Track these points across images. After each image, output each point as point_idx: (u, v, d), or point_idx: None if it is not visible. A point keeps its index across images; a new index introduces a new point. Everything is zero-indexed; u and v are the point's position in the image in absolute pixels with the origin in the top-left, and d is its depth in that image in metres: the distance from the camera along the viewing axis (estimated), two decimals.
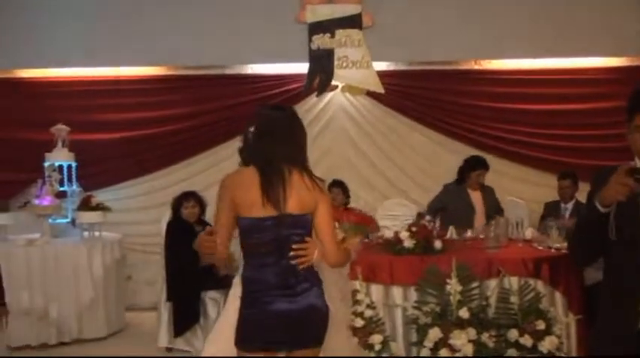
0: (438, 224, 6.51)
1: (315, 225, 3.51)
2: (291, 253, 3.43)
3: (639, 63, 8.84)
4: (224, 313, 4.11)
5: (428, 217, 6.50)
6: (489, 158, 8.50)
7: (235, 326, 3.50)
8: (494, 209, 7.29)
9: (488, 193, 7.46)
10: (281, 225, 3.41)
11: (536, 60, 8.86)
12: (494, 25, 8.70)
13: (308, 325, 3.48)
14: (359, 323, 5.25)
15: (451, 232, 6.61)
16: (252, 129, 3.55)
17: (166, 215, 7.15)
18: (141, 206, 8.85)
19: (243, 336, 3.47)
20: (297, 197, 3.43)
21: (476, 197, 7.40)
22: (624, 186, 2.94)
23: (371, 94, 8.72)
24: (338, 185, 7.55)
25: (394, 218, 7.76)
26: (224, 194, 3.48)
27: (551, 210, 7.52)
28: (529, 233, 6.61)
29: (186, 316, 6.80)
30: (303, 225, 3.48)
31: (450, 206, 7.33)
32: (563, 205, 7.51)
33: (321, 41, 8.53)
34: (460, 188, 7.48)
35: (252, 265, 3.50)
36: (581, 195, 7.59)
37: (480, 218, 7.20)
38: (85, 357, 6.71)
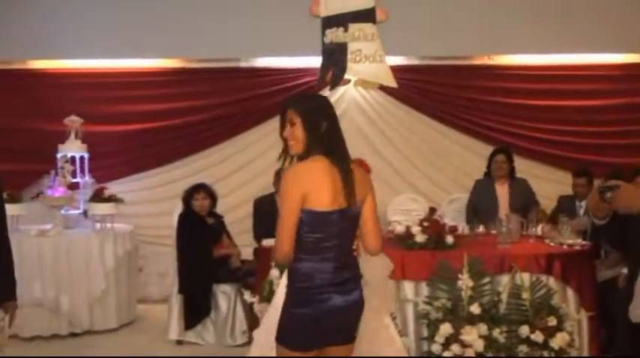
0: (476, 226, 6.66)
1: (365, 216, 3.45)
2: (354, 246, 3.43)
3: None
4: (273, 308, 4.04)
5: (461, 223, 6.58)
6: None
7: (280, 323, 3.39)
8: (523, 202, 7.22)
9: (517, 185, 7.41)
10: (344, 219, 3.33)
11: (550, 55, 8.82)
12: (507, 20, 8.65)
13: (355, 320, 3.46)
14: None
15: (463, 227, 6.59)
16: (321, 118, 3.39)
17: (178, 207, 7.16)
18: (153, 198, 8.87)
19: (297, 336, 3.34)
20: (357, 189, 3.37)
21: (501, 190, 7.39)
22: (596, 203, 2.96)
23: (383, 89, 8.70)
24: None
25: (406, 212, 7.74)
26: (294, 190, 3.27)
27: (564, 205, 7.46)
28: (541, 229, 6.59)
29: (198, 309, 6.82)
30: (358, 218, 3.43)
31: (477, 201, 7.32)
32: (577, 203, 7.45)
33: (334, 35, 8.51)
34: (488, 181, 7.50)
35: (310, 260, 3.33)
36: None
37: (503, 211, 7.08)
38: (94, 354, 6.73)
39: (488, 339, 5.18)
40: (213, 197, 7.21)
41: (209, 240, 7.05)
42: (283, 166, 3.46)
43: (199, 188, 7.14)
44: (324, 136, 3.38)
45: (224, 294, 6.90)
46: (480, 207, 7.42)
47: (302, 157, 3.38)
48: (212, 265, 6.93)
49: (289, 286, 3.38)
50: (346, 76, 8.58)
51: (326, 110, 3.46)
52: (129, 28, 8.67)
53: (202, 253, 6.92)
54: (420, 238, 5.69)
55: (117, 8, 8.74)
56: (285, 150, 3.44)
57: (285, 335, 3.36)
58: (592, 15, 8.63)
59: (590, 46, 8.67)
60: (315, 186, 3.26)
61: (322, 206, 3.26)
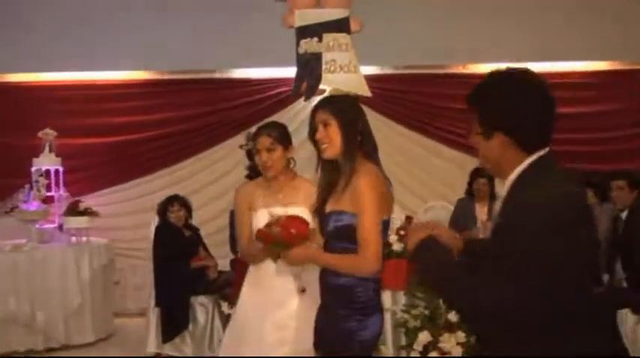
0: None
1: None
2: None
3: (624, 67, 8.92)
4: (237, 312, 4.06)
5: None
6: (476, 161, 8.52)
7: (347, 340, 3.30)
8: None
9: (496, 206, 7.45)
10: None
11: (524, 64, 8.83)
12: (481, 29, 8.72)
13: None
14: None
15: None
16: (357, 117, 3.37)
17: (155, 220, 7.14)
18: (129, 211, 8.81)
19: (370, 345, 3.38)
20: None
21: (481, 211, 7.41)
22: None
23: (358, 98, 8.71)
24: None
25: None
26: (377, 195, 3.24)
27: None
28: None
29: (175, 321, 6.78)
30: None
31: (457, 220, 7.35)
32: None
33: (308, 45, 8.50)
34: (469, 201, 7.55)
35: None
36: None
37: (483, 232, 7.12)
38: None
39: (467, 346, 5.20)
40: (187, 208, 7.20)
41: (186, 252, 7.03)
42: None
43: (173, 199, 7.13)
44: (362, 137, 3.33)
45: (202, 306, 6.87)
46: (459, 227, 7.44)
47: (338, 160, 3.32)
48: (189, 277, 6.90)
49: (376, 305, 3.38)
50: (321, 86, 8.59)
51: (359, 109, 3.44)
52: (103, 40, 8.63)
53: (179, 265, 6.89)
54: (396, 247, 5.71)
55: (90, 20, 8.70)
56: (318, 156, 3.42)
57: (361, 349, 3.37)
58: (566, 23, 8.73)
59: (565, 53, 8.76)
60: (385, 196, 3.30)
61: (387, 214, 3.35)
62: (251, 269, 4.07)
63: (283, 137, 3.95)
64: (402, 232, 5.79)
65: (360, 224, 3.20)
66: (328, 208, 3.35)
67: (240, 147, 4.11)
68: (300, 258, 3.41)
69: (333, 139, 3.29)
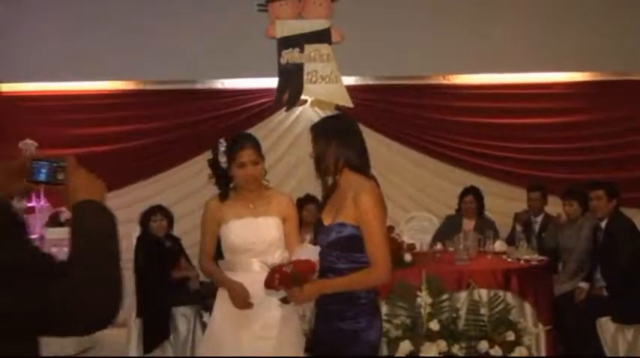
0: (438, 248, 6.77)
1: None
2: None
3: (605, 78, 8.97)
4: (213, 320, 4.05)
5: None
6: (458, 171, 8.63)
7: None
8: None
9: (483, 223, 7.45)
10: None
11: (504, 75, 8.95)
12: (461, 40, 8.76)
13: None
14: None
15: (421, 245, 6.65)
16: (353, 134, 3.65)
17: (136, 230, 7.11)
18: None
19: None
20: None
21: (468, 226, 7.43)
22: None
23: (340, 109, 8.74)
24: (312, 200, 7.43)
25: None
26: (383, 214, 3.57)
27: (520, 220, 7.61)
28: (498, 245, 6.66)
29: (156, 332, 6.75)
30: None
31: (444, 235, 7.37)
32: (533, 218, 7.60)
33: (290, 56, 8.54)
34: (458, 217, 7.61)
35: None
36: (551, 208, 7.69)
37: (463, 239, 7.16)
38: None
39: (448, 355, 5.22)
40: (170, 218, 7.18)
41: (167, 262, 7.01)
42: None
43: (156, 210, 7.11)
44: (350, 153, 3.56)
45: (183, 317, 6.85)
46: (443, 238, 7.46)
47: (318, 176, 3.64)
48: (170, 288, 6.88)
49: (376, 307, 3.58)
50: (302, 97, 8.61)
51: (344, 126, 3.70)
52: (83, 50, 8.61)
53: (160, 276, 6.87)
54: (407, 258, 5.76)
55: (71, 30, 8.68)
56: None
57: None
58: (544, 34, 8.79)
59: (546, 64, 8.81)
60: (384, 207, 3.61)
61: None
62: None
63: (260, 149, 3.98)
64: None
65: (369, 240, 3.42)
66: (328, 221, 3.57)
67: (209, 161, 4.04)
68: (313, 292, 3.49)
69: (315, 157, 3.61)
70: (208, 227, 4.07)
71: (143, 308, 6.79)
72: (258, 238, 3.89)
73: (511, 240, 7.16)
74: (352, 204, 3.44)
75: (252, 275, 3.82)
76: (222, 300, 3.95)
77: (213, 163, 3.99)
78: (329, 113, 8.67)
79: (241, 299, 3.76)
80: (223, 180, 3.97)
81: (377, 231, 3.44)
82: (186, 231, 8.07)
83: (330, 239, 3.49)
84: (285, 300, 3.58)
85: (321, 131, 3.62)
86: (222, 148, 3.91)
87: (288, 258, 3.69)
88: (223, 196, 3.98)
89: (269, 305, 3.75)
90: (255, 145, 3.91)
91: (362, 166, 3.57)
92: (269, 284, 3.47)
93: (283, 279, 3.42)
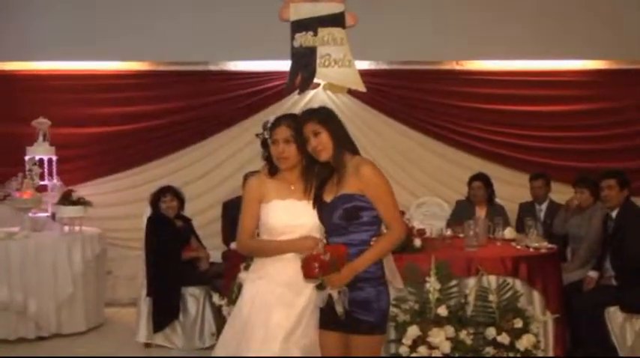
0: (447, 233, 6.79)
1: None
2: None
3: (616, 66, 8.96)
4: (238, 308, 3.92)
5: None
6: (468, 157, 8.64)
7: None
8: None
9: (494, 211, 7.42)
10: None
11: (516, 61, 8.95)
12: (476, 25, 8.76)
13: None
14: None
15: (431, 230, 6.65)
16: (339, 121, 3.86)
17: (147, 210, 7.15)
18: (122, 201, 8.82)
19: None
20: None
21: (480, 213, 7.41)
22: None
23: (352, 93, 8.73)
24: None
25: None
26: (386, 179, 3.81)
27: (525, 211, 7.60)
28: (508, 232, 6.65)
29: (166, 311, 6.80)
30: None
31: (457, 218, 7.35)
32: (537, 206, 7.60)
33: (303, 39, 8.51)
34: (468, 203, 7.59)
35: None
36: (556, 196, 7.69)
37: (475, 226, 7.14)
38: (63, 356, 6.67)
39: (455, 341, 5.22)
40: (180, 199, 7.21)
41: (177, 242, 7.03)
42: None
43: (166, 190, 7.14)
44: (348, 136, 3.85)
45: (193, 297, 6.89)
46: (457, 223, 7.44)
47: (332, 160, 3.76)
48: (180, 268, 6.92)
49: (380, 278, 3.77)
50: (315, 80, 8.59)
51: (336, 114, 3.92)
52: (96, 30, 8.65)
53: (170, 256, 6.90)
54: (417, 243, 5.76)
55: (85, 10, 8.72)
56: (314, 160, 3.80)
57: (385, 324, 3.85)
58: (560, 21, 8.78)
59: (558, 52, 8.81)
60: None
61: None
62: (254, 263, 3.97)
63: (298, 130, 3.82)
64: None
65: (382, 204, 3.72)
66: (330, 197, 3.76)
67: (257, 135, 4.00)
68: (350, 273, 3.62)
69: (326, 144, 3.74)
70: (252, 203, 3.89)
71: (153, 287, 6.83)
72: (297, 221, 3.79)
73: (517, 228, 7.16)
74: (353, 177, 3.70)
75: (285, 261, 3.74)
76: (250, 283, 3.87)
77: (263, 139, 3.94)
78: (342, 97, 8.74)
79: (311, 242, 3.68)
80: (270, 157, 3.88)
81: (386, 194, 3.74)
82: (198, 211, 8.12)
83: (338, 213, 3.70)
84: (320, 286, 3.59)
85: (328, 116, 3.85)
86: (269, 125, 3.88)
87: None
88: (271, 173, 3.88)
89: (297, 293, 3.73)
90: (291, 124, 3.79)
91: (356, 149, 3.88)
92: (309, 274, 3.52)
93: (323, 267, 3.48)
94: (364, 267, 3.65)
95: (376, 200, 3.70)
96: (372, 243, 3.72)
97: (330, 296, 3.64)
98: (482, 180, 7.61)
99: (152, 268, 6.88)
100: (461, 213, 7.51)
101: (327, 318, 3.73)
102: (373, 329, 3.72)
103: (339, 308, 3.64)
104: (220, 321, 6.02)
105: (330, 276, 3.53)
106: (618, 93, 8.96)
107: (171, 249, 6.94)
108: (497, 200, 7.78)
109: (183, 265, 6.98)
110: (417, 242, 5.79)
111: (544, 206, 7.61)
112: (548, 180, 7.68)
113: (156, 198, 7.08)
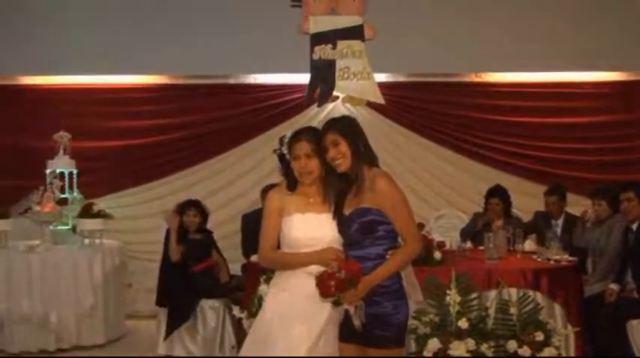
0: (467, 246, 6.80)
1: None
2: None
3: (633, 78, 8.95)
4: (260, 320, 3.90)
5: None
6: (487, 169, 8.61)
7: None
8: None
9: (509, 223, 7.35)
10: None
11: (535, 73, 8.94)
12: (494, 37, 8.74)
13: None
14: None
15: (451, 243, 6.65)
16: (359, 132, 3.87)
17: (164, 224, 7.17)
18: (142, 214, 8.87)
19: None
20: None
21: (496, 225, 7.33)
22: None
23: (371, 105, 8.74)
24: None
25: None
26: (402, 192, 3.82)
27: (539, 221, 7.52)
28: (528, 245, 6.64)
29: (177, 317, 6.78)
30: None
31: (475, 232, 7.32)
32: (553, 221, 7.48)
33: (322, 52, 8.52)
34: (484, 215, 7.50)
35: None
36: (572, 208, 7.64)
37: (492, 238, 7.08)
38: None
39: (476, 354, 5.21)
40: (203, 214, 7.19)
41: (190, 255, 7.01)
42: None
43: (191, 204, 7.13)
44: (365, 149, 3.81)
45: (212, 310, 6.90)
46: (470, 234, 7.40)
47: (350, 171, 3.75)
48: (193, 278, 6.91)
49: (397, 292, 3.73)
50: (334, 93, 8.60)
51: (358, 125, 3.92)
52: (117, 44, 8.68)
53: (182, 267, 6.90)
54: (437, 255, 5.77)
55: (105, 24, 8.76)
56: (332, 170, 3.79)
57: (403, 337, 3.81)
58: (576, 33, 8.75)
59: (576, 63, 8.78)
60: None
61: None
62: (277, 276, 3.96)
63: (318, 144, 3.83)
64: None
65: (397, 218, 3.70)
66: (348, 210, 3.75)
67: (274, 151, 4.00)
68: (365, 289, 3.61)
69: (345, 154, 3.73)
70: (273, 216, 3.89)
71: (165, 297, 6.86)
72: (318, 234, 3.79)
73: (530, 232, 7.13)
74: (370, 190, 3.70)
75: (308, 273, 3.69)
76: (272, 296, 3.86)
77: (280, 154, 3.94)
78: (361, 109, 8.74)
79: (333, 254, 3.69)
80: (289, 172, 3.89)
81: (402, 208, 3.73)
82: (217, 224, 8.13)
83: (354, 227, 3.71)
84: (337, 303, 3.60)
85: (348, 127, 3.84)
86: (286, 140, 3.89)
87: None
88: (290, 188, 3.88)
89: (320, 307, 3.68)
90: (312, 139, 3.81)
91: (376, 161, 3.86)
92: (326, 293, 3.52)
93: (339, 285, 3.49)
94: (379, 280, 3.64)
95: (392, 214, 3.69)
96: (387, 256, 3.71)
97: (347, 310, 3.66)
98: (499, 195, 7.51)
99: (162, 279, 6.92)
100: (474, 224, 7.48)
101: (346, 331, 3.73)
102: (390, 343, 3.72)
103: (356, 322, 3.64)
104: (241, 334, 6.04)
105: (347, 294, 3.53)
106: (634, 105, 8.93)
107: (184, 260, 6.93)
108: (515, 211, 7.73)
109: (203, 277, 6.98)
110: (437, 254, 5.79)
111: (560, 221, 7.48)
112: (563, 194, 7.53)
113: (181, 209, 7.08)
